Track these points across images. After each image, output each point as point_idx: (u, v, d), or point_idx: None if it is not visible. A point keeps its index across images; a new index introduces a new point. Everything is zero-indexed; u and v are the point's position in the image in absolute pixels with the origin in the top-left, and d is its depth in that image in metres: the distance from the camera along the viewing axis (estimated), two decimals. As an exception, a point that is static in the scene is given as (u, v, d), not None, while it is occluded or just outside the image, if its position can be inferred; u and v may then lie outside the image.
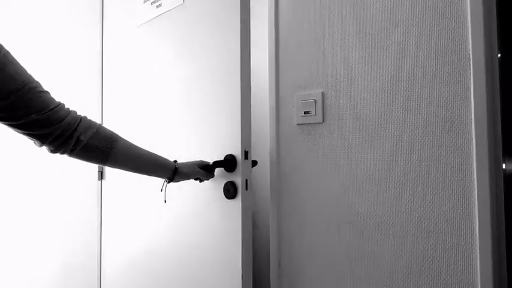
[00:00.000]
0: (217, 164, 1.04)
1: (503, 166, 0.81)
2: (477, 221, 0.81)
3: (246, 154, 1.02)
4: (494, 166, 0.81)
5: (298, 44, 1.14)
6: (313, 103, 1.09)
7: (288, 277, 1.14)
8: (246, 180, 1.02)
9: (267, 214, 2.01)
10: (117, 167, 0.90)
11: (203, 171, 1.05)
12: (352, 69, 1.02)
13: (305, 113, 1.11)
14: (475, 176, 0.82)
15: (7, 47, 0.70)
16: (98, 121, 1.03)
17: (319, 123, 1.08)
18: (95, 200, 1.67)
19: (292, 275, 1.13)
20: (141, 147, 0.93)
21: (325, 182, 1.06)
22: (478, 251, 0.81)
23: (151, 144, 1.15)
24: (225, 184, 1.04)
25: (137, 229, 1.38)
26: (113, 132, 0.87)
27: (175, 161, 1.01)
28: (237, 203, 1.02)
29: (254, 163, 1.12)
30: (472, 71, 0.83)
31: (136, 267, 1.37)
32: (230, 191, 1.02)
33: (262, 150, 2.21)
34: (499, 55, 0.82)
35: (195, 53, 1.18)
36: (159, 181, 1.05)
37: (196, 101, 1.17)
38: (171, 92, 1.27)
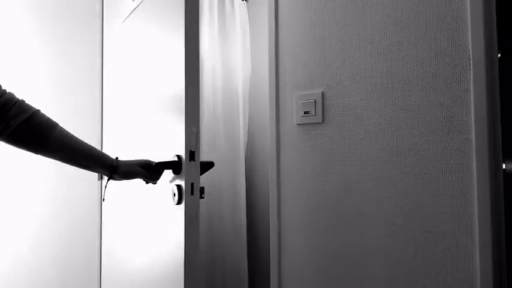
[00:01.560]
0: (160, 165, 0.94)
1: (503, 166, 0.81)
2: (477, 221, 0.81)
3: (191, 155, 0.90)
4: (494, 166, 0.81)
5: (298, 44, 1.14)
6: (313, 103, 1.09)
7: (288, 277, 1.14)
8: (192, 184, 0.90)
9: (267, 214, 2.01)
10: (52, 157, 0.84)
11: (145, 171, 0.97)
12: (352, 69, 1.02)
13: (305, 113, 1.11)
14: (475, 176, 0.82)
15: None
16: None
17: (319, 123, 1.08)
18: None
19: (292, 275, 1.13)
20: (81, 139, 0.88)
21: (325, 181, 1.06)
22: (478, 250, 0.81)
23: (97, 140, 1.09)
24: (173, 188, 0.93)
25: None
26: (50, 120, 0.81)
27: (117, 158, 0.94)
28: (181, 210, 0.90)
29: (209, 165, 1.02)
30: (472, 71, 0.83)
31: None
32: (176, 195, 0.91)
33: (262, 150, 2.21)
34: (499, 55, 0.82)
35: (136, 50, 1.13)
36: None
37: (145, 96, 1.08)
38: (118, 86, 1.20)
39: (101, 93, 1.76)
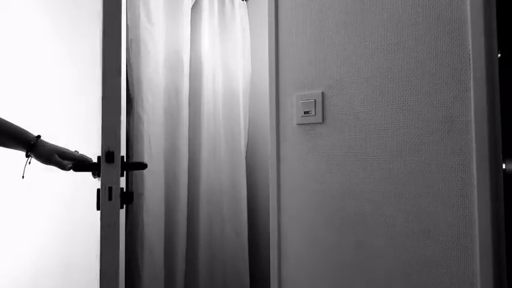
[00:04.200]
0: (77, 167, 0.85)
1: (503, 166, 0.81)
2: (477, 221, 0.81)
3: (109, 156, 0.81)
4: (495, 166, 0.80)
5: (298, 44, 1.14)
6: (313, 103, 1.09)
7: (288, 278, 1.14)
8: (110, 188, 0.80)
9: (267, 214, 2.01)
10: None
11: (64, 163, 0.91)
12: (352, 69, 1.02)
13: (305, 113, 1.11)
14: (475, 176, 0.82)
15: None
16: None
17: (319, 123, 1.08)
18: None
19: (292, 276, 1.13)
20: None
21: (325, 181, 1.06)
22: (478, 251, 0.81)
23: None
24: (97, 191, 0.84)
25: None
26: None
27: (39, 136, 0.88)
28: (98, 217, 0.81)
29: (138, 165, 0.94)
30: (472, 71, 0.83)
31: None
32: (96, 200, 0.82)
33: (262, 150, 2.21)
34: (499, 55, 0.82)
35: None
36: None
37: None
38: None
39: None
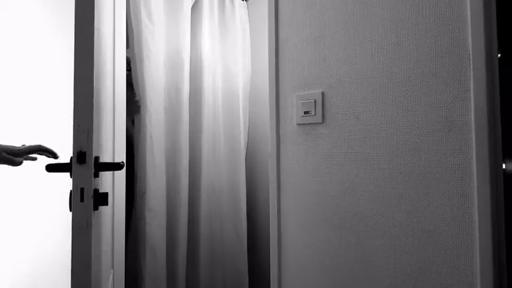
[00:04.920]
0: (50, 167, 0.84)
1: (503, 166, 0.81)
2: (477, 221, 0.81)
3: (81, 156, 0.79)
4: (495, 166, 0.80)
5: (298, 44, 1.14)
6: (313, 103, 1.09)
7: (288, 277, 1.14)
8: (82, 189, 0.78)
9: (268, 214, 2.01)
10: None
11: (14, 159, 0.93)
12: (352, 69, 1.02)
13: (305, 113, 1.11)
14: (475, 176, 0.82)
15: None
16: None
17: (319, 123, 1.08)
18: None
19: (292, 276, 1.13)
20: None
21: (326, 181, 1.06)
22: (478, 251, 0.81)
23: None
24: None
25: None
26: None
27: None
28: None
29: (115, 166, 0.92)
30: (472, 71, 0.83)
31: None
32: (69, 201, 0.80)
33: (262, 150, 2.21)
34: (499, 55, 0.82)
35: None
36: None
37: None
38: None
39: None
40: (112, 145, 1.53)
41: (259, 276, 2.14)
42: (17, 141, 1.32)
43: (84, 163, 0.79)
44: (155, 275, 1.68)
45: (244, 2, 2.27)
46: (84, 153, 0.79)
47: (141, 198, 1.69)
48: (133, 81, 1.71)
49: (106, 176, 1.67)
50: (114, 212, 1.58)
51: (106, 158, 1.35)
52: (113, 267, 1.55)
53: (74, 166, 0.79)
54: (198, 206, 1.90)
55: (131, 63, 1.71)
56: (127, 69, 1.88)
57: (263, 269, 2.13)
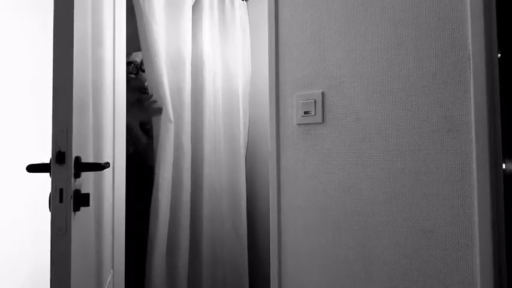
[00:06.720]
0: (30, 167, 0.82)
1: (503, 166, 0.81)
2: (477, 221, 0.81)
3: (61, 156, 0.77)
4: (495, 166, 0.81)
5: (298, 44, 1.14)
6: (313, 103, 1.09)
7: (288, 276, 1.14)
8: (61, 189, 0.77)
9: (268, 214, 2.01)
10: None
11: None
12: (352, 69, 1.02)
13: (305, 113, 1.11)
14: (475, 176, 0.82)
15: None
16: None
17: (319, 123, 1.08)
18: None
19: (292, 276, 1.13)
20: None
21: (325, 181, 1.06)
22: (478, 251, 0.81)
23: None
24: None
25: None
26: None
27: None
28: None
29: (97, 166, 0.91)
30: (472, 71, 0.83)
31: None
32: (48, 202, 0.79)
33: (262, 150, 2.21)
34: (499, 55, 0.82)
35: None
36: None
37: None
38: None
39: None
40: (112, 145, 1.53)
41: (259, 275, 2.14)
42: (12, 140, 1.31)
43: (63, 163, 0.77)
44: (156, 273, 1.68)
45: (244, 2, 2.26)
46: (63, 153, 0.77)
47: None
48: (148, 83, 1.72)
49: (105, 176, 1.68)
50: (114, 212, 1.58)
51: (105, 159, 1.35)
52: (112, 268, 1.55)
53: (53, 166, 0.77)
54: (201, 206, 1.90)
55: (144, 64, 1.72)
56: (133, 73, 1.89)
57: (263, 267, 2.13)
